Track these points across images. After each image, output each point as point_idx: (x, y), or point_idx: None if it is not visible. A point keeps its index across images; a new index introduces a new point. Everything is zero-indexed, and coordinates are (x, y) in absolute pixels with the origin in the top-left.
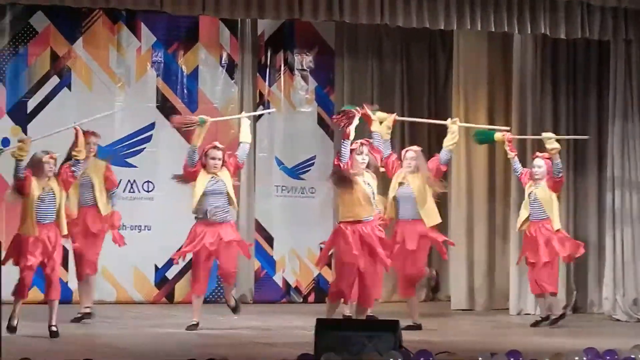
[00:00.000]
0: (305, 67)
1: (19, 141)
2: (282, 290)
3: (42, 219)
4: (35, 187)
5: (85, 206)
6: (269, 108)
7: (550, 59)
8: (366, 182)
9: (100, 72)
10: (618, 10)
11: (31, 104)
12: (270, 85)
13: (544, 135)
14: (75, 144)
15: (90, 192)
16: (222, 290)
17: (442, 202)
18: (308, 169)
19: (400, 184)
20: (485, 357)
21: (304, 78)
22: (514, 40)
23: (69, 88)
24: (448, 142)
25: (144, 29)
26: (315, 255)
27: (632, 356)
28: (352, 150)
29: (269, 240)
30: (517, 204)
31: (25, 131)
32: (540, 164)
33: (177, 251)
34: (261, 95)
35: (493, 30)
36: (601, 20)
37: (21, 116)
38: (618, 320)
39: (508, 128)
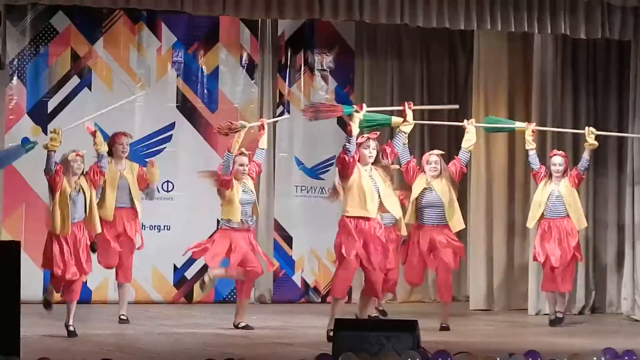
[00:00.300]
0: (325, 67)
1: (51, 132)
2: (300, 290)
3: (72, 218)
4: (66, 186)
5: (121, 208)
6: (288, 108)
7: (570, 59)
8: (372, 178)
9: (120, 72)
10: (639, 10)
11: (52, 104)
12: (290, 86)
13: (588, 129)
14: (93, 141)
15: (127, 194)
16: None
17: (461, 201)
18: (327, 169)
19: (425, 189)
20: (504, 357)
21: (324, 78)
22: (534, 41)
23: (90, 88)
24: (466, 144)
25: (165, 29)
26: (333, 256)
27: None
28: (360, 144)
29: (288, 240)
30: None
31: (45, 131)
32: (560, 161)
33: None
34: (281, 95)
35: (513, 30)
36: (622, 21)
37: (41, 116)
38: (637, 320)
39: (525, 124)
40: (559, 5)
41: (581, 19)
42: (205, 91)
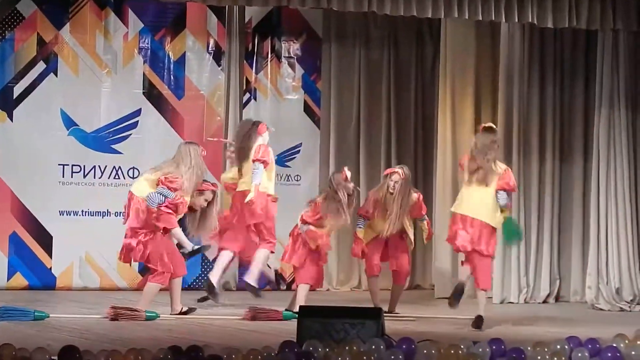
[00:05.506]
0: (292, 55)
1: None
2: (265, 277)
3: None
4: None
5: None
6: (254, 95)
7: (537, 48)
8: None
9: (87, 58)
10: (606, 0)
11: (17, 90)
12: (257, 73)
13: None
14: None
15: None
16: (204, 277)
17: (427, 189)
18: (294, 156)
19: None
20: (468, 344)
21: (291, 65)
22: (501, 29)
23: (56, 74)
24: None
25: (132, 15)
26: None
27: (614, 345)
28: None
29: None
30: None
31: (10, 117)
32: None
33: None
34: (248, 82)
35: (480, 19)
36: (589, 10)
37: (7, 101)
38: (601, 309)
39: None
40: None
41: (549, 8)
42: (172, 78)
